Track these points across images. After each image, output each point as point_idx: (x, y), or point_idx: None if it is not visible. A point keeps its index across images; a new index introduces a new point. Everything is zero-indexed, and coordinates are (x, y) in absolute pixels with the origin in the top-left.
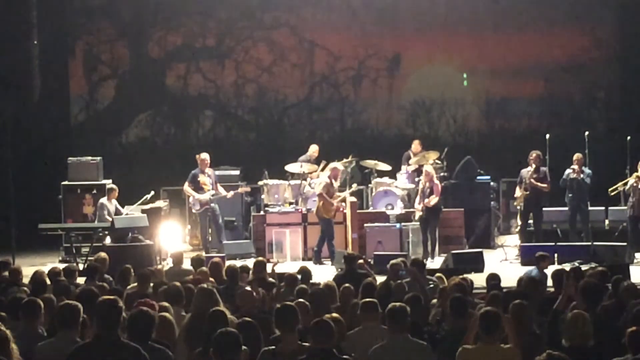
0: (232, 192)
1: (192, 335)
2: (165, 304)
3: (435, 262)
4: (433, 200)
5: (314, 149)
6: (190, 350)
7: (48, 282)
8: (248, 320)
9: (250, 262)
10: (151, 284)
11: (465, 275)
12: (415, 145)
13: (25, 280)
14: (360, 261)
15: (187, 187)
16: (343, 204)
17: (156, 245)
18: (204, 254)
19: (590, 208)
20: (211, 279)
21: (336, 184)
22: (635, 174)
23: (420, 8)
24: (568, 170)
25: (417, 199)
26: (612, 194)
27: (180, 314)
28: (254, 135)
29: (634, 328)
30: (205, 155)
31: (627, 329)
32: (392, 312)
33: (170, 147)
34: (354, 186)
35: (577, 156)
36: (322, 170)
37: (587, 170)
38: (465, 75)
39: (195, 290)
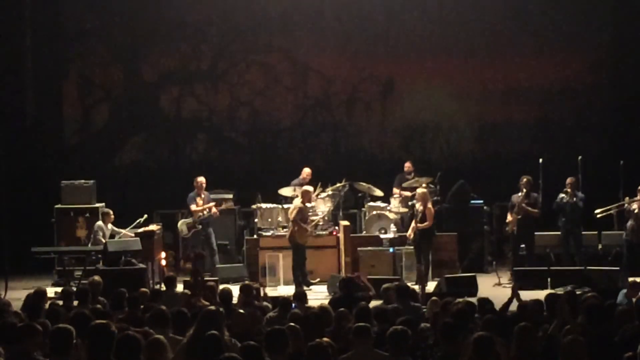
0: (215, 209)
1: (191, 357)
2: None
3: (428, 286)
4: (425, 223)
5: (306, 173)
6: None
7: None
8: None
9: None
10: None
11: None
12: (408, 165)
13: (17, 303)
14: (357, 274)
15: (195, 208)
16: (336, 227)
17: (149, 268)
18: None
19: (583, 232)
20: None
21: (310, 206)
22: (627, 199)
23: (414, 32)
24: (561, 195)
25: (412, 223)
26: (599, 216)
27: (168, 336)
28: (248, 158)
29: (630, 353)
30: (202, 179)
31: (620, 352)
32: (394, 336)
33: (163, 170)
34: (328, 210)
35: (569, 180)
36: (317, 194)
37: (580, 194)
38: None
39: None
